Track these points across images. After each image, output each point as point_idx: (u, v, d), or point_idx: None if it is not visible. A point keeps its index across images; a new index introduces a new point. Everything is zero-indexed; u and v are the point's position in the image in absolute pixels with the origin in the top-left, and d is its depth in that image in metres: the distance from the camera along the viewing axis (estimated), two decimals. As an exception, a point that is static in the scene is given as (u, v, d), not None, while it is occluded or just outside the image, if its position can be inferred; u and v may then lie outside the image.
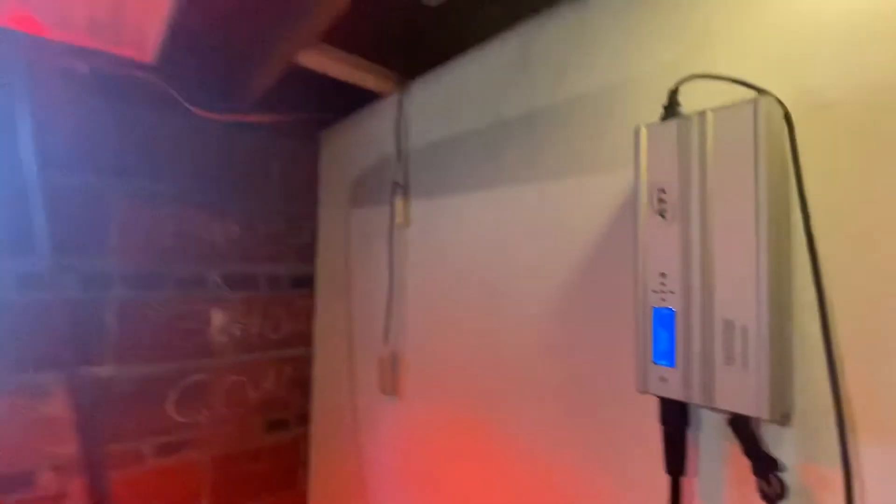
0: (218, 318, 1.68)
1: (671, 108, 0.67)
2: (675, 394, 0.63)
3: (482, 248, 1.11)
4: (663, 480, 0.70)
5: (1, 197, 1.30)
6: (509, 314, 1.03)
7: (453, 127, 1.22)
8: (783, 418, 0.61)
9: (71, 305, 1.41)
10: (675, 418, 0.67)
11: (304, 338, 1.90)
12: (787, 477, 0.61)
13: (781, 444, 0.62)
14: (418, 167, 1.34)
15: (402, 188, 1.37)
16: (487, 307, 1.09)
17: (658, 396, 0.66)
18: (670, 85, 0.69)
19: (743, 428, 0.62)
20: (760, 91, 0.61)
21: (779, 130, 0.60)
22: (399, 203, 1.37)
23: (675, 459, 0.67)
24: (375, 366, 1.43)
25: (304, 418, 1.90)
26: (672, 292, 0.63)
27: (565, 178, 0.92)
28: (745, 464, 0.62)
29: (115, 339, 1.48)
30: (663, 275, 0.64)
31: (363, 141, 1.63)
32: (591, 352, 0.86)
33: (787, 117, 0.61)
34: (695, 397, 0.61)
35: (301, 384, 1.89)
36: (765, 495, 0.61)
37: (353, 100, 1.60)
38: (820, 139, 0.60)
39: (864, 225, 0.56)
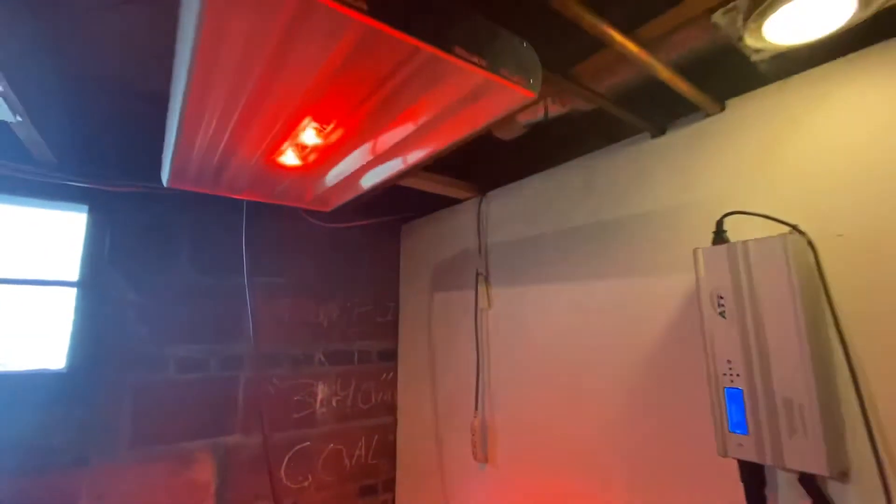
0: (321, 391, 1.93)
1: (719, 235, 0.91)
2: (750, 456, 0.81)
3: (559, 330, 1.33)
4: (749, 532, 0.85)
5: (184, 297, 1.66)
6: (587, 390, 1.22)
7: (528, 230, 1.49)
8: (842, 475, 0.77)
9: (213, 383, 1.71)
10: (754, 477, 0.84)
11: (390, 407, 2.11)
12: (854, 526, 0.76)
13: (846, 498, 0.78)
14: (497, 260, 1.61)
15: (485, 276, 1.64)
16: (567, 383, 1.29)
17: (737, 459, 0.84)
18: (713, 210, 0.94)
19: (811, 485, 0.79)
20: (785, 224, 0.85)
21: (805, 254, 0.82)
22: (482, 289, 1.63)
23: (758, 513, 0.83)
24: (466, 434, 1.61)
25: (390, 484, 2.06)
26: (738, 375, 0.83)
27: (629, 277, 1.16)
28: (817, 516, 0.78)
29: (242, 411, 1.76)
30: (729, 361, 0.85)
31: (443, 236, 1.94)
32: (665, 423, 1.04)
33: (811, 243, 0.83)
34: (768, 459, 0.79)
35: (387, 451, 2.08)
36: (838, 542, 0.76)
37: (430, 201, 1.92)
38: (837, 260, 0.81)
39: (880, 322, 0.76)
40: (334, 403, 1.97)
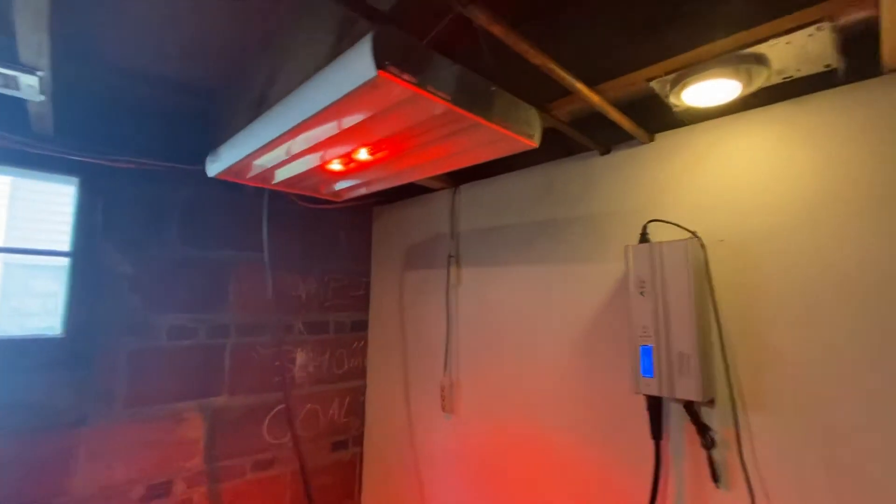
0: (300, 357, 2.13)
1: (644, 237, 1.24)
2: (654, 392, 1.17)
3: (518, 304, 1.65)
4: (647, 447, 1.22)
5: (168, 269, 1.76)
6: (539, 351, 1.55)
7: (495, 221, 1.78)
8: (710, 402, 1.15)
9: (202, 350, 1.84)
10: (656, 406, 1.21)
11: (360, 372, 2.35)
12: (715, 435, 1.15)
13: (712, 417, 1.16)
14: (467, 245, 1.89)
15: (455, 258, 1.91)
16: (522, 346, 1.61)
17: (646, 395, 1.20)
18: (641, 216, 1.27)
19: (691, 409, 1.16)
20: (688, 230, 1.20)
21: (698, 253, 1.18)
22: (453, 269, 1.90)
23: (657, 430, 1.20)
24: (433, 391, 1.91)
25: (359, 439, 2.32)
26: (650, 336, 1.18)
27: (576, 264, 1.48)
28: (693, 430, 1.16)
29: (228, 375, 1.91)
30: (645, 327, 1.19)
31: (415, 221, 2.17)
32: (596, 375, 1.39)
33: (703, 246, 1.19)
34: (665, 393, 1.15)
35: (357, 410, 2.32)
36: (704, 445, 1.14)
37: (402, 188, 2.14)
38: (718, 258, 1.18)
39: (740, 301, 1.14)
40: (311, 368, 2.17)
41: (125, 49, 1.43)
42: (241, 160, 0.91)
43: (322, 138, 0.79)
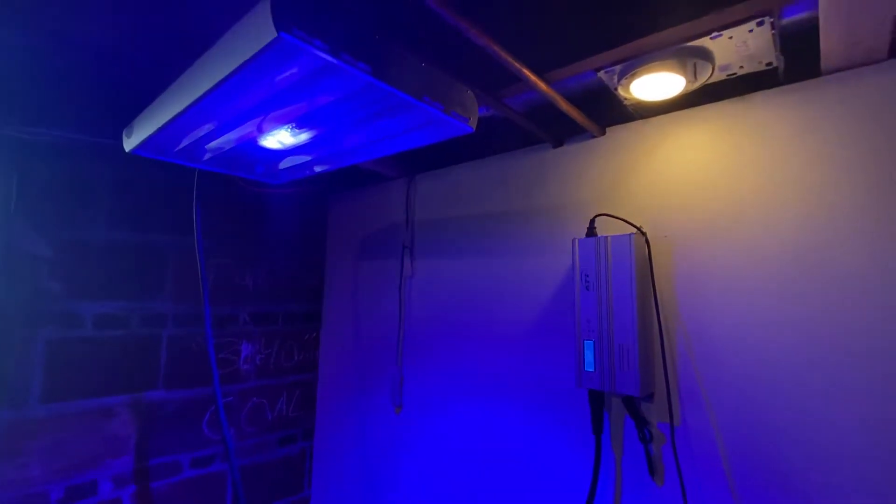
0: (245, 349, 2.03)
1: (591, 230, 1.23)
2: (596, 386, 1.16)
3: (470, 296, 1.62)
4: (589, 440, 1.22)
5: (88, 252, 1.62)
6: (489, 343, 1.53)
7: (450, 211, 1.74)
8: (649, 397, 1.16)
9: (134, 340, 1.72)
10: (597, 400, 1.20)
11: (312, 364, 2.27)
12: (652, 429, 1.16)
13: (650, 411, 1.17)
14: (421, 235, 1.84)
15: (409, 249, 1.86)
16: (474, 337, 1.58)
17: (588, 389, 1.19)
18: (590, 209, 1.26)
19: (631, 403, 1.17)
20: (633, 225, 1.19)
21: (642, 248, 1.18)
22: (407, 260, 1.85)
23: (598, 424, 1.20)
24: (385, 385, 1.86)
25: (309, 433, 2.25)
26: (593, 330, 1.17)
27: (530, 256, 1.47)
28: (632, 424, 1.16)
29: (165, 367, 1.80)
30: (588, 320, 1.18)
31: (371, 210, 2.10)
32: (545, 366, 1.38)
33: (647, 240, 1.19)
34: (606, 387, 1.15)
35: (308, 404, 2.25)
36: (642, 439, 1.15)
37: (359, 176, 2.07)
38: (660, 252, 1.18)
39: (682, 297, 1.14)
40: (258, 361, 2.08)
41: (47, 8, 1.29)
42: (153, 135, 0.82)
43: (237, 111, 0.72)
